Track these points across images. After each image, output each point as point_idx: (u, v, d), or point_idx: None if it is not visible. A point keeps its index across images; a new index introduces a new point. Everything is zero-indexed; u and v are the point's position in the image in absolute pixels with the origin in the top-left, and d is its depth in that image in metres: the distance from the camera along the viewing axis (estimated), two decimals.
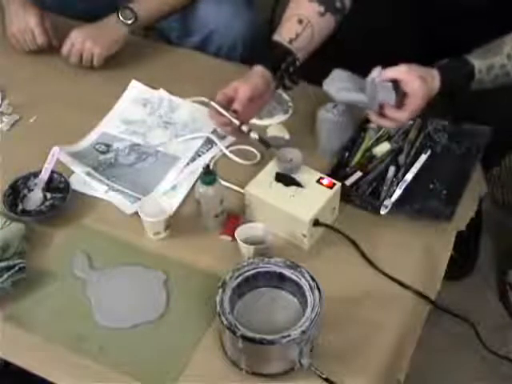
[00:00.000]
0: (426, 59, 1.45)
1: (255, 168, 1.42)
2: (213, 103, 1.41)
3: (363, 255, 1.31)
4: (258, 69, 1.42)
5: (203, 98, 1.61)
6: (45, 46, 1.75)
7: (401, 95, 1.32)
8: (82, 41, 1.68)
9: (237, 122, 1.40)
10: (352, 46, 1.60)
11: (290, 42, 1.43)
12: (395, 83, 1.31)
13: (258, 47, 1.81)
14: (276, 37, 1.44)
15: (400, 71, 1.31)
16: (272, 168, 1.37)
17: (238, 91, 1.39)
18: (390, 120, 1.35)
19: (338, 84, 1.33)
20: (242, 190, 1.38)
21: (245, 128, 1.41)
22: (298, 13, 1.45)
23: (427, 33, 1.61)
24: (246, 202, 1.36)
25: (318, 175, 1.35)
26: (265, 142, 1.42)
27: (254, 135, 1.41)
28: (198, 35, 1.84)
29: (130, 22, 1.70)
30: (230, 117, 1.39)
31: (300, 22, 1.44)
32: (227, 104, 1.40)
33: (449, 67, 1.35)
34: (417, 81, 1.30)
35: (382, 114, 1.35)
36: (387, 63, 1.32)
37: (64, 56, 1.71)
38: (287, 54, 1.43)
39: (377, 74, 1.32)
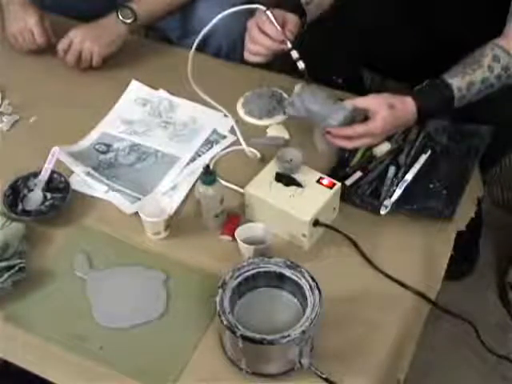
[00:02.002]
0: (426, 58, 1.45)
1: (255, 168, 1.42)
2: (269, 13, 1.40)
3: (363, 255, 1.31)
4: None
5: (204, 97, 1.61)
6: (44, 46, 1.74)
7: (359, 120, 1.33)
8: (81, 40, 1.67)
9: (289, 45, 1.41)
10: (355, 45, 1.60)
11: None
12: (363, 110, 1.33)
13: None
14: None
15: (368, 99, 1.33)
16: (272, 168, 1.37)
17: (288, 23, 1.42)
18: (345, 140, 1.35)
19: (304, 99, 1.35)
20: (241, 190, 1.38)
21: (295, 54, 1.42)
22: None
23: (428, 32, 1.60)
24: (246, 202, 1.36)
25: (318, 175, 1.35)
26: (308, 75, 1.42)
27: (301, 65, 1.42)
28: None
29: (129, 21, 1.70)
30: (285, 38, 1.40)
31: None
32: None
33: (424, 92, 1.36)
34: (383, 106, 1.31)
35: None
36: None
37: (59, 54, 1.70)
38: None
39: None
